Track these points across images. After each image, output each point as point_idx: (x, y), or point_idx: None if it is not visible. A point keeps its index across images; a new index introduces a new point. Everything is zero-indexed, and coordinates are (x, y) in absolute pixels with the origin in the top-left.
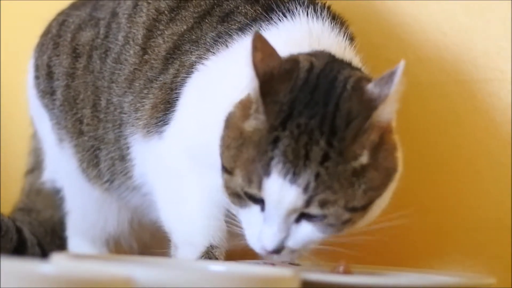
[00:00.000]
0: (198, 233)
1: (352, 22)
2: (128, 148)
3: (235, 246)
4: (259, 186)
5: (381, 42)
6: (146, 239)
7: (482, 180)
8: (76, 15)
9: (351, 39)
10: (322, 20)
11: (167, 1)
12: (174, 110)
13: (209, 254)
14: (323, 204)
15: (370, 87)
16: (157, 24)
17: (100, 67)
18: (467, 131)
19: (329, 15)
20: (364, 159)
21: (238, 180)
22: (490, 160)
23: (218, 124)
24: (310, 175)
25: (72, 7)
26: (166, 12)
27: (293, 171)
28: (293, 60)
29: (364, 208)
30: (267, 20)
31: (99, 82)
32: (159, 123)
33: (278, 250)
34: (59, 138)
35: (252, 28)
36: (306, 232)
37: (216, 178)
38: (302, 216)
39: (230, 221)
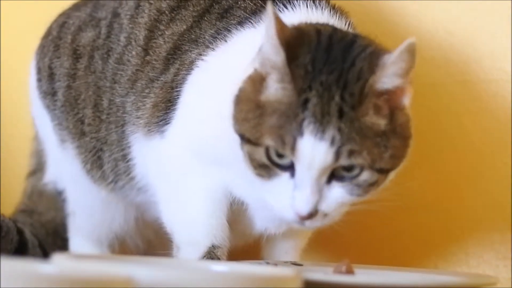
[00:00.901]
0: (200, 233)
1: (357, 22)
2: (129, 147)
3: (237, 246)
4: (293, 148)
5: (386, 42)
6: (151, 236)
7: (487, 180)
8: (76, 16)
9: (353, 29)
10: (322, 10)
11: (168, 1)
12: (175, 109)
13: (211, 254)
14: (350, 154)
15: (386, 56)
16: (158, 24)
17: (102, 67)
18: (471, 131)
19: (328, 5)
20: (381, 124)
21: (269, 144)
22: (496, 161)
23: (223, 116)
24: (334, 129)
25: (73, 8)
26: (167, 12)
27: (321, 128)
28: (297, 28)
29: (388, 172)
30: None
31: (100, 82)
32: (161, 122)
33: (312, 214)
34: (61, 139)
35: (252, 21)
36: (337, 193)
37: (219, 175)
38: (332, 177)
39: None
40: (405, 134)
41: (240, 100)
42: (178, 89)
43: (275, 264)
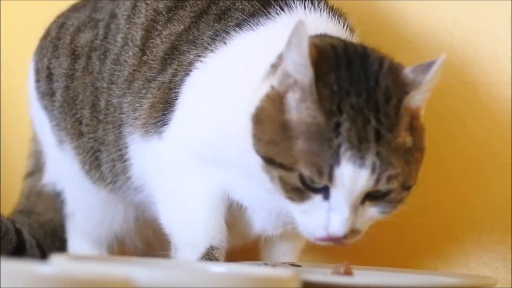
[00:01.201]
0: (199, 234)
1: (357, 22)
2: (126, 147)
3: (236, 247)
4: (330, 176)
5: (386, 44)
6: (150, 237)
7: (487, 181)
8: (75, 17)
9: (351, 30)
10: (320, 11)
11: (165, 1)
12: (173, 110)
13: (209, 255)
14: (389, 179)
15: (407, 71)
16: (155, 24)
17: (99, 68)
18: (472, 133)
19: (327, 7)
20: (408, 141)
21: (304, 173)
22: (497, 162)
23: (225, 120)
24: (373, 155)
25: (71, 9)
26: (164, 12)
27: (360, 155)
28: (315, 45)
29: (411, 187)
30: (265, 15)
31: (98, 83)
32: (158, 123)
33: (347, 235)
34: (59, 140)
35: (250, 23)
36: (370, 212)
37: (218, 176)
38: (366, 197)
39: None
40: (423, 146)
41: (261, 120)
42: (176, 90)
43: (274, 265)
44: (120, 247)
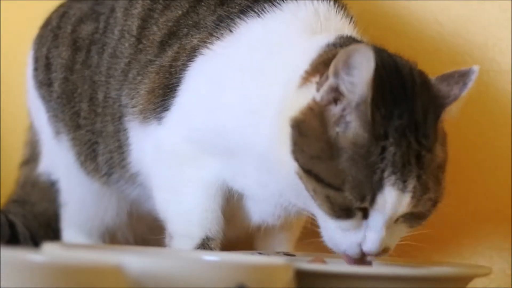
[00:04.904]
0: (195, 225)
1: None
2: (126, 136)
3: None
4: (372, 201)
5: (377, 34)
6: (143, 231)
7: (480, 170)
8: (77, 8)
9: (355, 22)
10: (328, 1)
11: None
12: (175, 96)
13: (204, 246)
14: (427, 202)
15: (437, 83)
16: (151, 13)
17: (97, 62)
18: (463, 122)
19: None
20: (442, 152)
21: (348, 197)
22: (488, 151)
23: (238, 109)
24: (414, 179)
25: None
26: (161, 0)
27: (403, 179)
28: None
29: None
30: (269, 1)
31: (96, 77)
32: (158, 109)
33: (380, 252)
34: (56, 131)
35: (254, 10)
36: (402, 229)
37: (218, 167)
38: (401, 216)
39: None
40: (447, 152)
41: (306, 134)
42: (178, 75)
43: (268, 255)
44: (111, 241)
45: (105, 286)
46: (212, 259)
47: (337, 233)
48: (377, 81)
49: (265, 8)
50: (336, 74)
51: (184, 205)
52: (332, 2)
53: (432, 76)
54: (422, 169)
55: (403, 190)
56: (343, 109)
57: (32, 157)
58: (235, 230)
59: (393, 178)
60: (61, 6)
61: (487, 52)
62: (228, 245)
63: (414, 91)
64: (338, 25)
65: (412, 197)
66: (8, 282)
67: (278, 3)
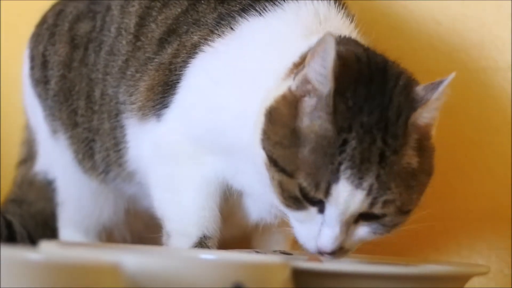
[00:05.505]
0: (193, 224)
1: None
2: (123, 134)
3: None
4: (326, 192)
5: (375, 32)
6: (140, 229)
7: (478, 169)
8: (73, 6)
9: (355, 21)
10: (328, 0)
11: None
12: (174, 93)
13: (202, 244)
14: (384, 204)
15: (419, 88)
16: (150, 11)
17: (94, 60)
18: (461, 120)
19: None
20: (414, 161)
21: (302, 184)
22: (486, 149)
23: (235, 106)
24: (372, 177)
25: None
26: None
27: (359, 175)
28: (339, 56)
29: (412, 210)
30: (271, 0)
31: (93, 75)
32: (157, 106)
33: (335, 252)
34: (53, 130)
35: (255, 8)
36: (362, 232)
37: (216, 165)
38: (360, 217)
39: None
40: (430, 168)
41: (275, 121)
42: (178, 72)
43: (265, 254)
44: (108, 239)
45: (103, 285)
46: (209, 258)
47: (295, 225)
48: (355, 75)
49: (266, 7)
50: (307, 63)
51: (182, 203)
52: (332, 2)
53: (429, 75)
54: (384, 169)
55: (357, 186)
56: (317, 101)
57: (29, 156)
58: (233, 228)
59: (348, 172)
60: (57, 4)
61: (485, 50)
62: (225, 243)
63: (393, 91)
64: (338, 25)
65: (367, 195)
66: (5, 281)
67: (279, 2)
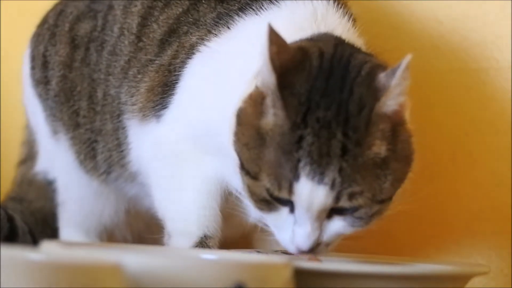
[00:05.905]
0: (193, 223)
1: None
2: (125, 134)
3: (230, 236)
4: (290, 191)
5: (375, 32)
6: (141, 230)
7: (478, 168)
8: (74, 6)
9: (354, 20)
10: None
11: None
12: (173, 93)
13: (203, 244)
14: (351, 196)
15: (382, 76)
16: (152, 11)
17: (96, 59)
18: (462, 120)
19: None
20: (382, 150)
21: (266, 185)
22: (487, 149)
23: (227, 107)
24: (334, 171)
25: None
26: None
27: (319, 171)
28: (301, 49)
29: (390, 198)
30: None
31: (95, 75)
32: (157, 107)
33: (313, 248)
34: (54, 130)
35: (254, 8)
36: (338, 226)
37: (215, 165)
38: (333, 211)
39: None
40: (406, 153)
41: (241, 121)
42: (176, 73)
43: (266, 253)
44: (109, 239)
45: (104, 285)
46: (211, 257)
47: (274, 230)
48: (314, 71)
49: (263, 5)
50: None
51: (183, 203)
52: (332, 1)
53: (430, 75)
54: (347, 161)
55: (319, 181)
56: (271, 97)
57: (29, 156)
58: (233, 228)
59: (308, 168)
60: (58, 4)
61: (486, 50)
62: (226, 243)
63: (354, 83)
64: (334, 24)
65: (331, 190)
66: (6, 281)
67: (277, 1)
